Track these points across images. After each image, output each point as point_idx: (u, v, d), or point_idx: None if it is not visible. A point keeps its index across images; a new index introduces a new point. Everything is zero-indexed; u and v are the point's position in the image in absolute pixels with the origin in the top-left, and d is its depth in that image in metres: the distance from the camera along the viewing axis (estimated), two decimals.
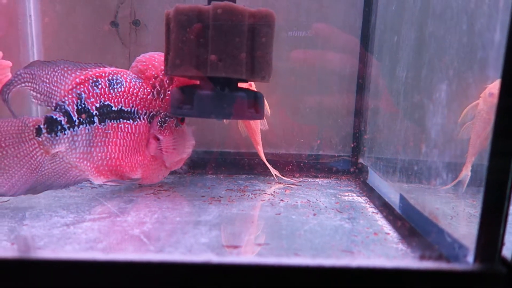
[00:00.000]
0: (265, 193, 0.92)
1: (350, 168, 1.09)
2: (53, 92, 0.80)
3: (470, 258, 0.49)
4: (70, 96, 0.81)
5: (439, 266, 0.47)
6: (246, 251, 0.61)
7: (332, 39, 1.07)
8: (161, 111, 0.88)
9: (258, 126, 1.00)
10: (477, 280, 0.47)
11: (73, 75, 0.81)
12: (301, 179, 1.06)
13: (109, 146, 0.83)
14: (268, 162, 1.04)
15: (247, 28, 0.74)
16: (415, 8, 0.76)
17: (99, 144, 0.82)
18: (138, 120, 0.86)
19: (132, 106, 0.85)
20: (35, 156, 0.77)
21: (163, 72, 0.86)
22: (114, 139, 0.83)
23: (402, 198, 0.76)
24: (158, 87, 0.87)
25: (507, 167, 0.46)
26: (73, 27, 1.04)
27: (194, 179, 1.04)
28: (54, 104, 0.80)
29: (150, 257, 0.47)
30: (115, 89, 0.84)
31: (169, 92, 0.87)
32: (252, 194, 0.92)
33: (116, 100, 0.84)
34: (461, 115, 0.71)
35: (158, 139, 0.88)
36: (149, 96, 0.87)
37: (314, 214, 0.79)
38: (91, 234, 0.65)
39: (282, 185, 1.00)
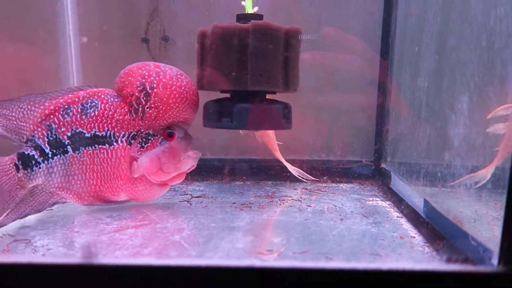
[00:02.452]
0: (292, 199, 0.97)
1: (373, 173, 1.13)
2: (22, 127, 0.80)
3: (495, 260, 0.52)
4: (39, 129, 0.80)
5: (465, 269, 0.51)
6: (281, 256, 0.66)
7: (345, 44, 1.11)
8: (142, 130, 0.82)
9: (273, 132, 1.05)
10: (502, 282, 0.50)
11: (41, 107, 0.81)
12: (325, 184, 1.10)
13: (87, 173, 0.82)
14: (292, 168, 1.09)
15: (282, 44, 0.80)
16: (435, 21, 0.79)
17: (76, 172, 0.81)
18: (114, 144, 0.82)
19: (108, 130, 0.81)
20: (15, 191, 0.79)
21: (139, 88, 0.80)
22: (91, 166, 0.82)
23: (426, 202, 0.79)
24: (135, 105, 0.81)
25: None
26: (108, 45, 1.11)
27: (223, 186, 1.09)
28: (25, 139, 0.81)
29: (199, 262, 0.52)
30: (88, 114, 0.81)
31: (148, 110, 0.81)
32: (279, 200, 0.96)
33: (89, 126, 0.81)
34: (493, 112, 0.70)
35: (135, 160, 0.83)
36: (126, 117, 0.81)
37: (341, 219, 0.83)
38: (136, 240, 0.71)
39: (307, 190, 1.05)
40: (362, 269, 0.51)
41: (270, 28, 0.79)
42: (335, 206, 0.92)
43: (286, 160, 1.09)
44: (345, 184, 1.11)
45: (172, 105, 0.81)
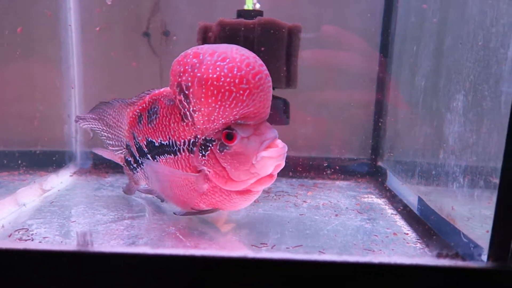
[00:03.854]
0: (289, 195, 0.98)
1: (369, 171, 1.13)
2: (120, 131, 0.80)
3: (484, 256, 0.53)
4: (129, 137, 0.79)
5: (455, 264, 0.51)
6: (275, 249, 0.66)
7: (344, 41, 1.11)
8: (198, 136, 0.67)
9: None
10: (490, 277, 0.51)
11: (125, 113, 0.78)
12: (321, 181, 1.11)
13: (168, 182, 0.72)
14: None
15: (285, 41, 0.81)
16: (433, 21, 0.80)
17: (161, 179, 0.73)
18: (178, 153, 0.69)
19: (169, 138, 0.69)
20: (134, 184, 0.87)
21: (177, 90, 0.64)
22: (170, 176, 0.71)
23: (420, 200, 0.80)
24: (182, 109, 0.66)
25: None
26: (109, 38, 1.11)
27: None
28: (125, 145, 0.81)
29: (193, 252, 0.52)
30: (153, 122, 0.72)
31: (193, 113, 0.64)
32: (275, 195, 0.97)
33: (155, 134, 0.72)
34: None
35: (200, 170, 0.68)
36: (180, 123, 0.68)
37: (336, 215, 0.84)
38: (132, 231, 0.72)
39: (304, 186, 1.05)
40: (353, 262, 0.52)
41: (276, 25, 0.80)
42: (331, 202, 0.93)
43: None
44: (341, 181, 1.11)
45: (213, 104, 0.61)
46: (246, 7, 0.87)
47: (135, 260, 0.53)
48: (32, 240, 0.66)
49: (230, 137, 0.64)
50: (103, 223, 0.75)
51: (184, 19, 1.12)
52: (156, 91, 0.73)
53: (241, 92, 0.60)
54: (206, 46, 0.64)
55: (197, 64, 0.62)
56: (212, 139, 0.65)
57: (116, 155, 0.85)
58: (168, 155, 0.70)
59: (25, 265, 0.53)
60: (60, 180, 1.01)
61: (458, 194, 0.67)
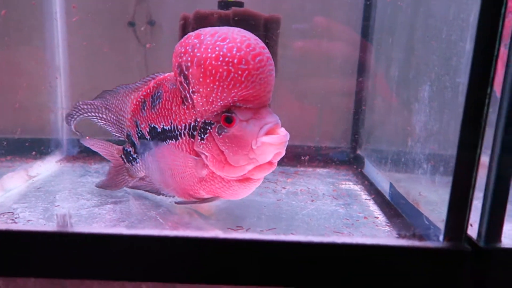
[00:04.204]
0: (269, 181, 1.01)
1: (348, 159, 1.17)
2: (121, 120, 0.79)
3: (442, 237, 0.57)
4: (131, 125, 0.78)
5: (412, 243, 0.55)
6: (249, 231, 0.70)
7: (330, 31, 1.13)
8: (198, 119, 0.67)
9: None
10: (445, 256, 0.55)
11: (129, 100, 0.77)
12: (302, 168, 1.14)
13: (171, 170, 0.72)
14: None
15: (262, 31, 0.83)
16: (406, 13, 0.83)
17: (164, 168, 0.73)
18: (179, 138, 0.69)
19: (171, 123, 0.70)
20: (126, 178, 0.84)
21: (177, 71, 0.64)
22: (170, 161, 0.71)
23: (391, 186, 0.84)
24: (182, 91, 0.66)
25: (473, 159, 0.54)
26: (94, 27, 1.12)
27: None
28: (125, 134, 0.79)
29: (167, 233, 0.56)
30: (156, 107, 0.72)
31: (192, 95, 0.64)
32: None
33: (157, 119, 0.72)
34: None
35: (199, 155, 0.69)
36: (182, 106, 0.68)
37: (312, 200, 0.87)
38: (114, 215, 0.75)
39: (284, 173, 1.09)
40: (317, 242, 0.55)
41: (250, 15, 0.82)
42: (309, 188, 0.96)
43: None
44: (321, 169, 1.15)
45: (211, 84, 0.61)
46: None
47: (112, 240, 0.56)
48: (16, 223, 0.69)
49: (229, 120, 0.63)
50: (86, 208, 0.78)
51: (169, 9, 1.14)
52: (161, 76, 0.73)
53: (240, 72, 0.60)
54: (209, 28, 0.64)
55: (198, 44, 0.62)
56: (211, 122, 0.65)
57: (112, 147, 0.84)
58: (170, 141, 0.70)
59: (8, 245, 0.56)
60: (46, 167, 1.03)
61: (423, 180, 0.71)
